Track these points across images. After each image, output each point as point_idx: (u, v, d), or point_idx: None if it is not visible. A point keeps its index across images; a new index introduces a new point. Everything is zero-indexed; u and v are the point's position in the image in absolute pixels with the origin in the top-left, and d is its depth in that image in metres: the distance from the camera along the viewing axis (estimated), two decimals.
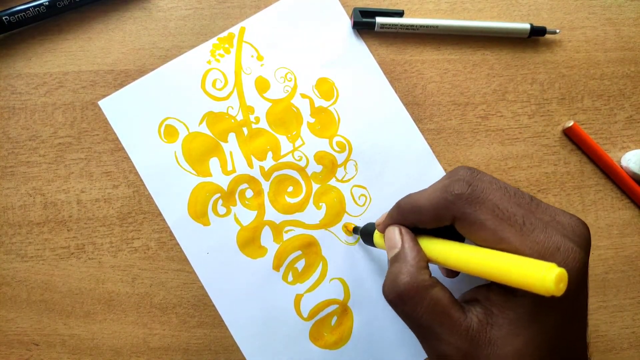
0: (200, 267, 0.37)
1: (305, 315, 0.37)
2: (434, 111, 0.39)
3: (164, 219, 0.37)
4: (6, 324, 0.35)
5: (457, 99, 0.40)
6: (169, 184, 0.37)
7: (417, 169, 0.39)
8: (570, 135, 0.40)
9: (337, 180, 0.38)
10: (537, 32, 0.40)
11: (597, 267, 0.39)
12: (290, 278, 0.37)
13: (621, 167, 0.40)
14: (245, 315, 0.36)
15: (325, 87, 0.39)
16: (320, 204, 0.38)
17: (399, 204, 0.28)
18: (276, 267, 0.37)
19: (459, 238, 0.26)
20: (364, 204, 0.38)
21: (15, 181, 0.36)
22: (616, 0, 0.41)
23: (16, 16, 0.35)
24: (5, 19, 0.35)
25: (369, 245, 0.34)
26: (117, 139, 0.37)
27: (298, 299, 0.37)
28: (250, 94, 0.38)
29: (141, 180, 0.37)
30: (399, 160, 0.39)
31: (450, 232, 0.26)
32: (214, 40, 0.38)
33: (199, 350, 0.36)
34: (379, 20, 0.38)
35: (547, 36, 0.40)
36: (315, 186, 0.38)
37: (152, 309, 0.36)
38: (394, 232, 0.27)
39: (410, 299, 0.24)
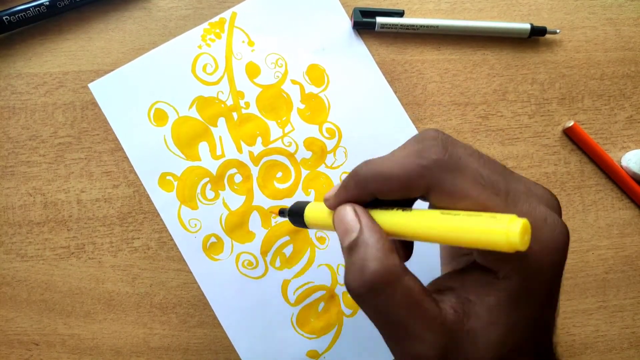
0: (187, 251, 0.37)
1: (292, 300, 0.37)
2: (434, 111, 0.39)
3: (164, 219, 0.37)
4: (6, 324, 0.35)
5: (458, 99, 0.40)
6: (157, 167, 0.37)
7: None
8: (571, 135, 0.40)
9: (327, 166, 0.38)
10: (538, 32, 0.39)
11: (597, 267, 0.39)
12: (278, 263, 0.37)
13: (621, 167, 0.40)
14: (232, 298, 0.37)
15: (316, 74, 0.39)
16: (309, 190, 0.38)
17: (357, 172, 0.23)
18: (264, 252, 0.37)
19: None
20: None
21: (16, 181, 0.36)
22: (616, 0, 0.41)
23: (16, 16, 0.35)
24: (6, 18, 0.35)
25: (301, 227, 0.29)
26: (117, 138, 0.37)
27: (285, 284, 0.37)
28: (240, 79, 0.38)
29: (141, 180, 0.37)
30: (388, 148, 0.38)
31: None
32: (205, 25, 0.38)
33: (199, 350, 0.36)
34: (379, 20, 0.38)
35: (548, 36, 0.40)
36: (304, 172, 0.38)
37: (152, 309, 0.36)
38: (347, 212, 0.22)
39: (382, 290, 0.20)
